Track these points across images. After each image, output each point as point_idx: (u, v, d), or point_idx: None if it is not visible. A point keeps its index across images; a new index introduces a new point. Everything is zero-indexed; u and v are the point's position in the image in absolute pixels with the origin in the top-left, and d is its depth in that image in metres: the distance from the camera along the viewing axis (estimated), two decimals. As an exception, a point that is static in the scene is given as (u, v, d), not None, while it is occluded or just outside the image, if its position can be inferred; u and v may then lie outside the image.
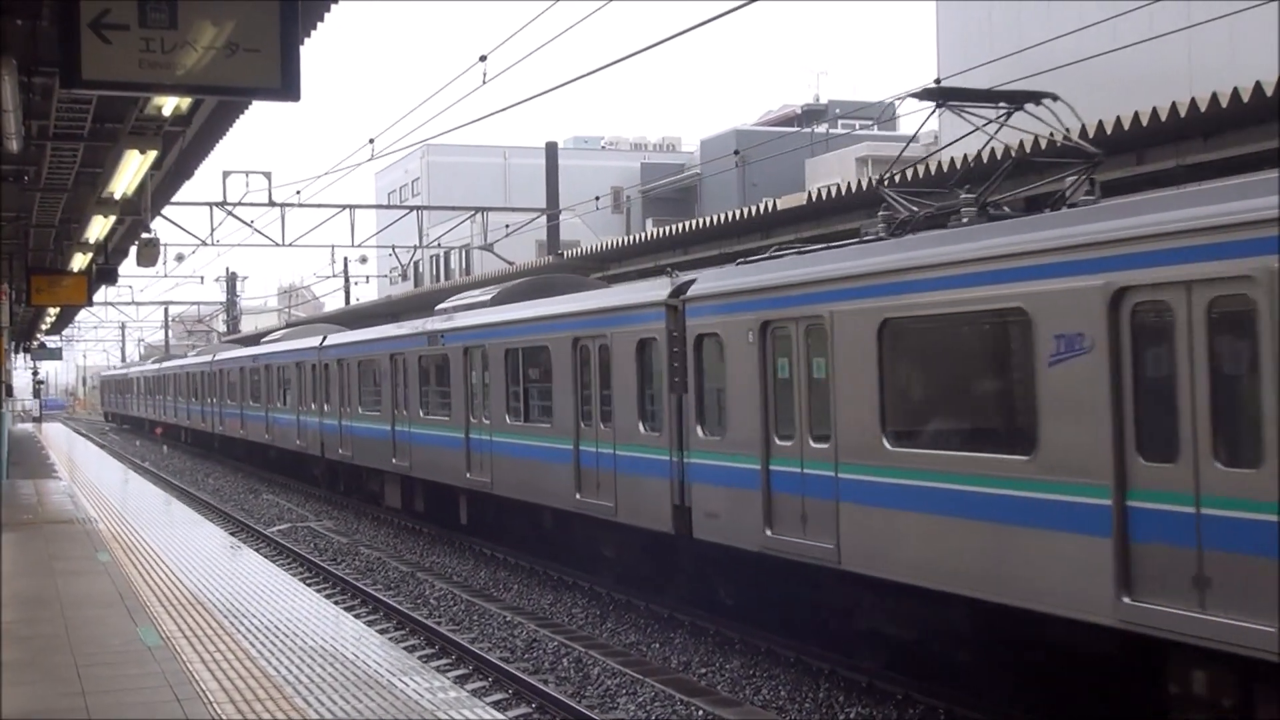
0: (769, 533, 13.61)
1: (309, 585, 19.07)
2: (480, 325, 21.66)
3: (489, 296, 22.36)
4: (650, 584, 17.69)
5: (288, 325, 54.02)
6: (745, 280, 14.21)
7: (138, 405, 73.83)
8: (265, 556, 20.56)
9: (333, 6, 10.31)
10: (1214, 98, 12.92)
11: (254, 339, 53.60)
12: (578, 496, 17.87)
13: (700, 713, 12.61)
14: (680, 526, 15.36)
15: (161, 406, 63.23)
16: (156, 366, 65.68)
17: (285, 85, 7.26)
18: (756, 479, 13.84)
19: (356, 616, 16.63)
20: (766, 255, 14.59)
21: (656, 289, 16.03)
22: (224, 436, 47.36)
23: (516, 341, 20.13)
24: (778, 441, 13.58)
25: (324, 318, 49.60)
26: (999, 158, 14.95)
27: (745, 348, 14.00)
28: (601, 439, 17.31)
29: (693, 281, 15.40)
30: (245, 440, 42.86)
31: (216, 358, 47.86)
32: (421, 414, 24.54)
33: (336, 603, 17.79)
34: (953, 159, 15.94)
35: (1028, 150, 13.89)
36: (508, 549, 22.08)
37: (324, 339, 32.52)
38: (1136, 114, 13.77)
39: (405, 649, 14.28)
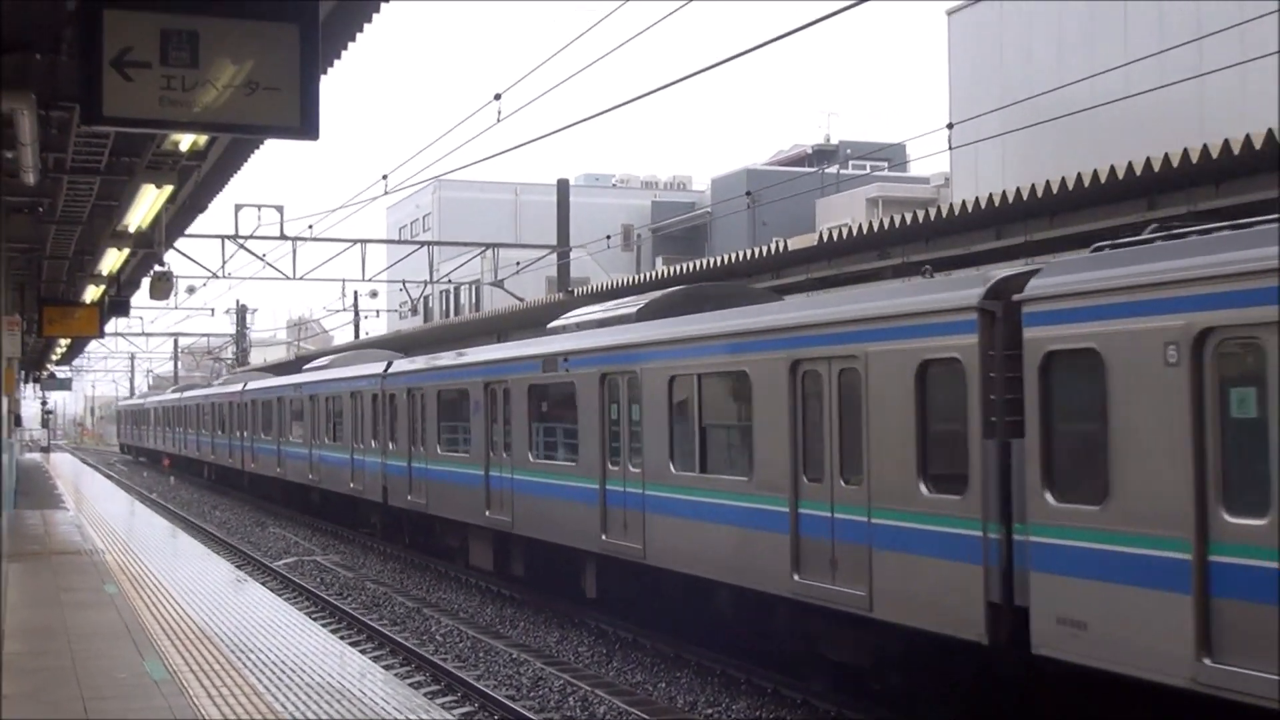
0: (1208, 661, 9.10)
1: (315, 620, 19.02)
2: (627, 345, 17.13)
3: (634, 310, 18.09)
4: (917, 707, 12.90)
5: (330, 350, 48.34)
6: (1157, 268, 9.71)
7: (156, 438, 69.26)
8: (272, 590, 20.56)
9: (350, 45, 10.38)
10: None
11: (294, 365, 49.15)
12: (797, 578, 13.31)
13: (706, 754, 12.56)
14: (1001, 634, 10.89)
15: (183, 440, 58.44)
16: (177, 396, 61.25)
17: (304, 124, 7.30)
18: (1181, 575, 9.29)
19: (362, 652, 16.59)
20: (1153, 234, 10.60)
21: (956, 288, 11.63)
22: (256, 475, 42.67)
23: (688, 365, 15.63)
24: (1228, 519, 9.08)
25: (374, 342, 44.71)
26: None
27: (1157, 371, 9.56)
28: (844, 501, 12.75)
29: (1030, 274, 10.95)
30: (282, 480, 38.38)
31: (248, 387, 43.33)
32: (531, 457, 19.96)
33: (342, 638, 17.76)
34: None
35: None
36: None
37: (389, 365, 28.09)
38: None
39: (411, 685, 14.23)
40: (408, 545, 27.96)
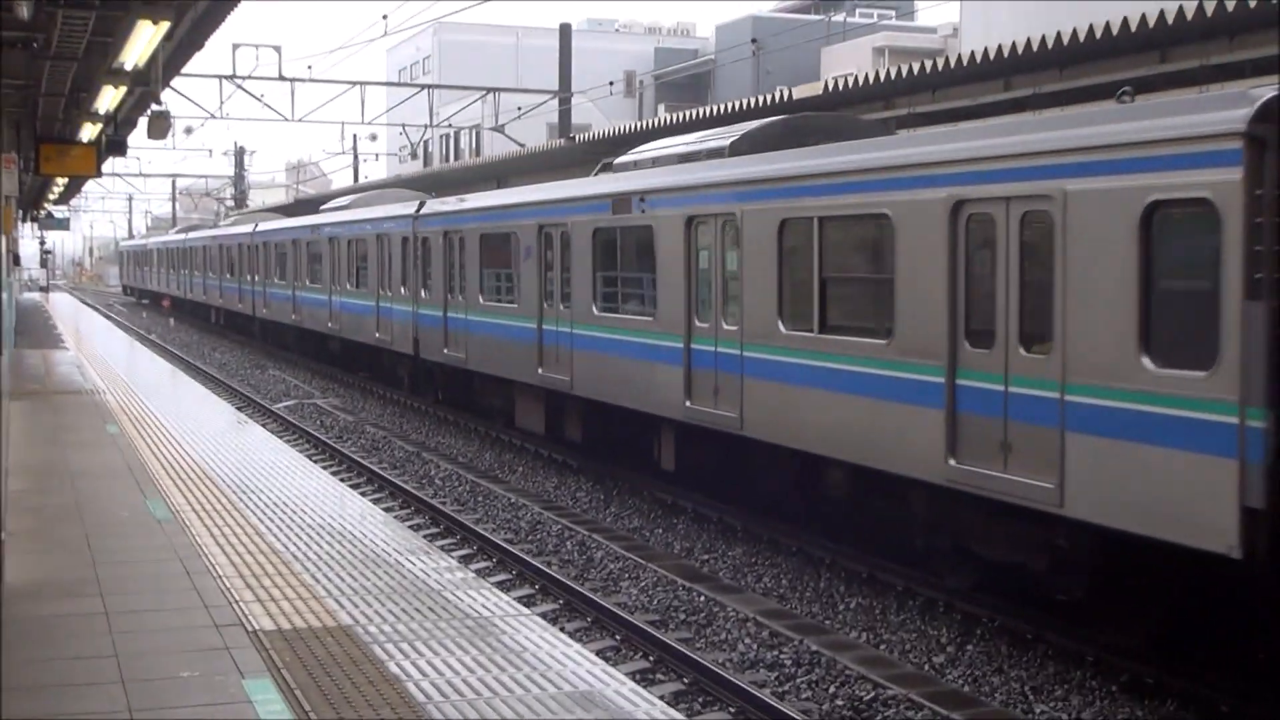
0: None
1: (315, 462, 19.19)
2: (722, 184, 14.72)
3: (726, 143, 15.63)
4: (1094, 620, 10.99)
5: (348, 190, 45.18)
6: None
7: (160, 280, 66.59)
8: (272, 432, 20.69)
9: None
10: None
11: (310, 206, 46.25)
12: (953, 463, 11.15)
13: (702, 598, 12.75)
14: (1259, 546, 8.77)
15: (189, 283, 56.05)
16: (183, 237, 58.77)
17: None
18: None
19: (362, 495, 16.76)
20: None
21: (1201, 110, 9.24)
22: (268, 322, 40.86)
23: (806, 207, 13.18)
24: None
25: (395, 182, 41.79)
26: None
27: None
28: (1024, 373, 10.48)
29: None
30: (298, 328, 36.60)
31: (259, 228, 41.23)
32: (595, 310, 17.67)
33: (342, 480, 17.92)
34: None
35: None
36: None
37: (421, 205, 25.83)
38: None
39: (410, 527, 14.41)
40: (439, 401, 26.10)
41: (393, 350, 27.54)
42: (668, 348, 15.72)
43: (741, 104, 21.61)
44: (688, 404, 15.32)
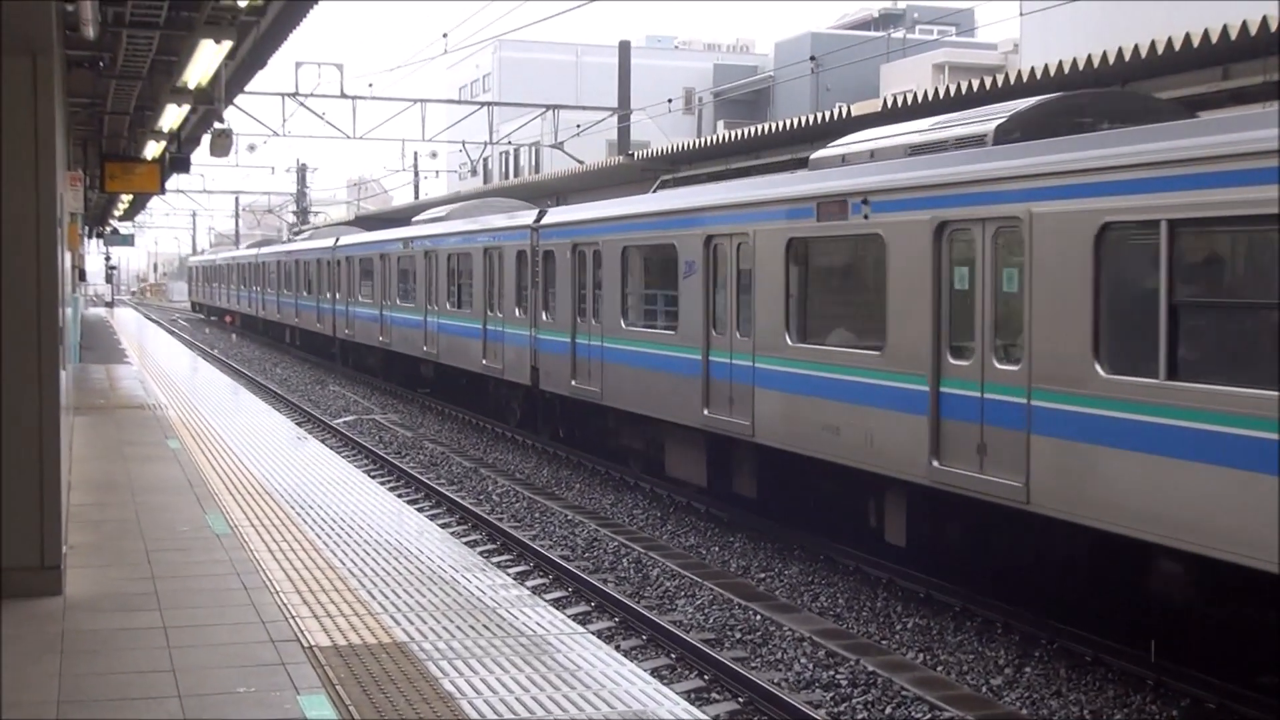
0: None
1: (374, 478, 19.28)
2: (994, 179, 11.46)
3: (989, 127, 12.35)
4: None
5: (442, 200, 41.38)
6: None
7: (231, 297, 63.69)
8: (331, 448, 20.80)
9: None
10: None
11: (399, 217, 43.57)
12: None
13: (758, 617, 12.70)
14: None
15: (261, 301, 53.13)
16: (255, 252, 56.05)
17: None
18: None
19: (419, 510, 16.81)
20: None
21: None
22: (350, 343, 37.99)
23: (1142, 207, 9.83)
24: None
25: (494, 191, 38.23)
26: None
27: None
28: None
29: None
30: (386, 350, 33.57)
31: (341, 242, 38.50)
32: (789, 340, 14.46)
33: (400, 496, 17.98)
34: None
35: None
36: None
37: (541, 214, 22.90)
38: None
39: (466, 544, 14.41)
40: (558, 439, 22.96)
41: (503, 380, 24.50)
42: (903, 390, 12.51)
43: (804, 120, 21.54)
44: (935, 464, 12.06)
